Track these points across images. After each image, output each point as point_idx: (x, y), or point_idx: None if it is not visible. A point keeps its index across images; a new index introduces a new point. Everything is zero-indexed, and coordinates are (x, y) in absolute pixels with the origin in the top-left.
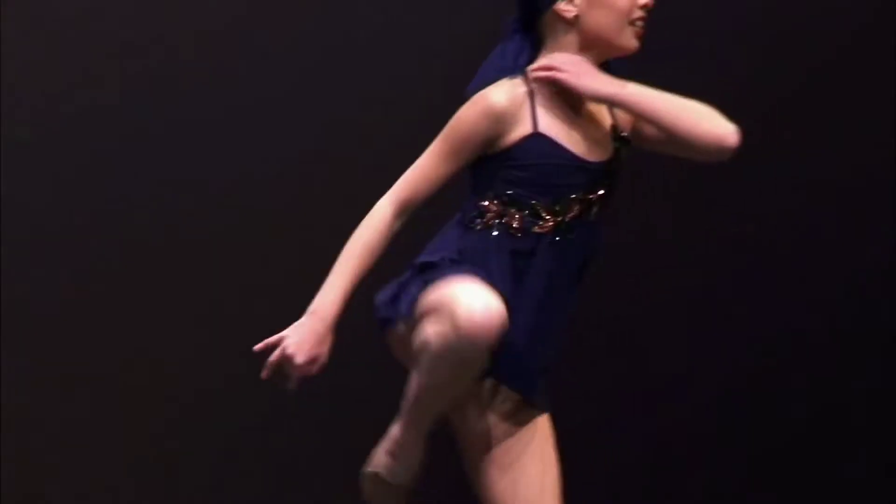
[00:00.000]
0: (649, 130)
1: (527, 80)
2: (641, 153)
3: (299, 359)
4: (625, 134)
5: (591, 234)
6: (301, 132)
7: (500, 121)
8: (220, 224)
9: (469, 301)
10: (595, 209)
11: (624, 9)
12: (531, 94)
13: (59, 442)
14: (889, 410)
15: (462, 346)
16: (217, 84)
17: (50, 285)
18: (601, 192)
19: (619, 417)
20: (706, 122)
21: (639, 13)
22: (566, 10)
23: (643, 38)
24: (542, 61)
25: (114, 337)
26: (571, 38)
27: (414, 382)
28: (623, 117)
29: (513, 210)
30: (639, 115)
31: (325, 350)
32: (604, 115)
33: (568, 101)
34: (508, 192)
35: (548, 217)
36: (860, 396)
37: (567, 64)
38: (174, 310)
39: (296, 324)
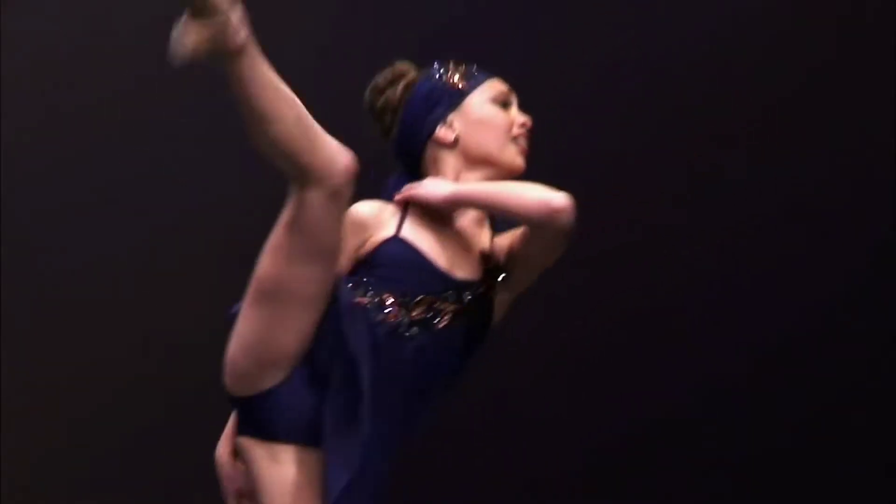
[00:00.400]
0: (514, 244)
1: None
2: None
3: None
4: (496, 262)
5: (439, 348)
6: None
7: (361, 228)
8: (220, 223)
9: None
10: (445, 320)
11: (503, 125)
12: (403, 211)
13: (59, 441)
14: (889, 410)
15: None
16: (218, 83)
17: (50, 285)
18: (455, 305)
19: (619, 416)
20: (532, 192)
21: (519, 130)
22: (445, 135)
23: (527, 156)
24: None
25: (114, 337)
26: (454, 162)
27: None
28: (499, 247)
29: (362, 294)
30: (479, 207)
31: (228, 471)
32: (481, 241)
33: (441, 223)
34: (365, 281)
35: (394, 309)
36: (860, 396)
37: (421, 184)
38: (175, 309)
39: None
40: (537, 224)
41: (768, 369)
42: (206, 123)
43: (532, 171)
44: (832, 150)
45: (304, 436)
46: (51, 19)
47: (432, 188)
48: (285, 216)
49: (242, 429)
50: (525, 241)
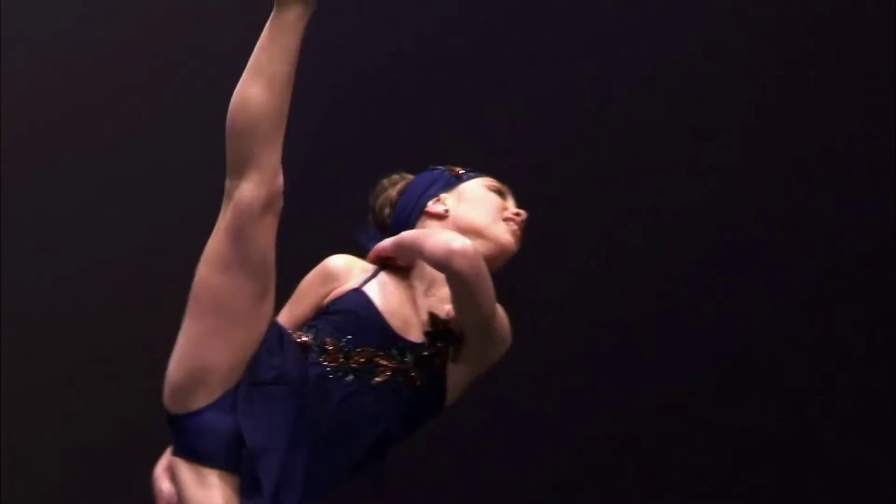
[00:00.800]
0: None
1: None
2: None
3: None
4: (449, 330)
5: (373, 403)
6: (306, 138)
7: (333, 279)
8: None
9: None
10: (384, 377)
11: (493, 204)
12: (376, 270)
13: (59, 442)
14: (889, 411)
15: None
16: (220, 84)
17: (50, 286)
18: (396, 364)
19: (613, 417)
20: (439, 236)
21: (512, 216)
22: (435, 207)
23: (520, 240)
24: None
25: (115, 338)
26: None
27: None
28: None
29: (309, 336)
30: (411, 252)
31: (161, 487)
32: (446, 311)
33: (412, 290)
34: (316, 325)
35: (333, 353)
36: (861, 396)
37: (389, 239)
38: (176, 311)
39: None
40: (439, 266)
41: (769, 366)
42: (210, 125)
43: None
44: (829, 149)
45: (230, 460)
46: (51, 19)
47: (387, 240)
48: (219, 222)
49: (174, 448)
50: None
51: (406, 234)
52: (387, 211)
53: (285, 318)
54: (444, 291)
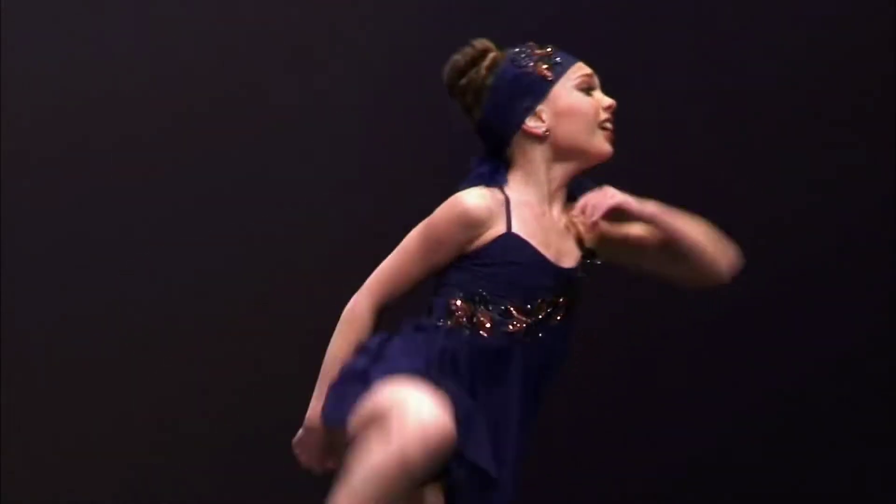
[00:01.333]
0: (650, 247)
1: (503, 191)
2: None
3: (318, 469)
4: (589, 247)
5: (555, 341)
6: (310, 154)
7: (475, 225)
8: (221, 227)
9: (417, 419)
10: (560, 315)
11: (591, 113)
12: (507, 202)
13: (59, 443)
14: (889, 411)
15: (407, 466)
16: (218, 86)
17: (51, 288)
18: (567, 297)
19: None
20: (727, 250)
21: (605, 115)
22: (535, 127)
23: (614, 142)
24: (578, 205)
25: (116, 340)
26: (544, 153)
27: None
28: (592, 231)
29: (483, 309)
30: (669, 234)
31: (331, 451)
32: (571, 226)
33: (536, 211)
34: (480, 290)
35: (520, 317)
36: (862, 398)
37: (620, 196)
38: (178, 313)
39: (296, 438)
40: (712, 276)
41: (775, 372)
42: (209, 123)
43: None
44: (832, 151)
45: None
46: (53, 20)
47: (642, 203)
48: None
49: None
50: (664, 260)
51: (674, 220)
52: (469, 97)
53: (421, 266)
54: (560, 202)
